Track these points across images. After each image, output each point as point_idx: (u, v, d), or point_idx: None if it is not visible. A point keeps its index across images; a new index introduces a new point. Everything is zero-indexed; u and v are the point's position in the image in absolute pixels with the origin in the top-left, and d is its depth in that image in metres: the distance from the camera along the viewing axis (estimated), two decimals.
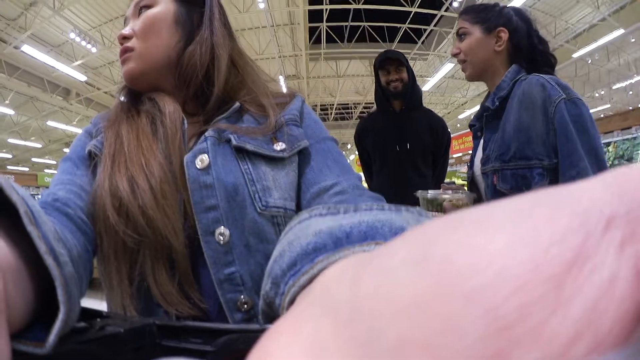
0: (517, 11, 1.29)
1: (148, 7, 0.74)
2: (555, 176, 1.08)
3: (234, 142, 0.66)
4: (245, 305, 0.60)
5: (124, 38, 0.73)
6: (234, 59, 0.78)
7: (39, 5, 9.38)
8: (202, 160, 0.64)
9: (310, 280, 0.24)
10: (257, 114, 0.74)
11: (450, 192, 1.16)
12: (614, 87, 16.37)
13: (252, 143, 0.67)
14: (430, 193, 1.17)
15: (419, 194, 1.21)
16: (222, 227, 0.61)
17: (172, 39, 0.74)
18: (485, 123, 1.26)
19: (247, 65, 0.81)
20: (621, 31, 10.65)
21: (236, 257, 0.61)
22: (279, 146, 0.68)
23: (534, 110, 1.10)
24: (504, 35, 1.24)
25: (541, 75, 1.15)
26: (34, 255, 0.33)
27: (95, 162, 0.67)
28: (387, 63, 2.31)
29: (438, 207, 1.13)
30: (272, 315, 0.29)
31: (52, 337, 0.29)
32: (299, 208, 0.68)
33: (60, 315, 0.30)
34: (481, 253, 0.12)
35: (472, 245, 0.12)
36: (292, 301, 0.25)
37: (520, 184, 1.11)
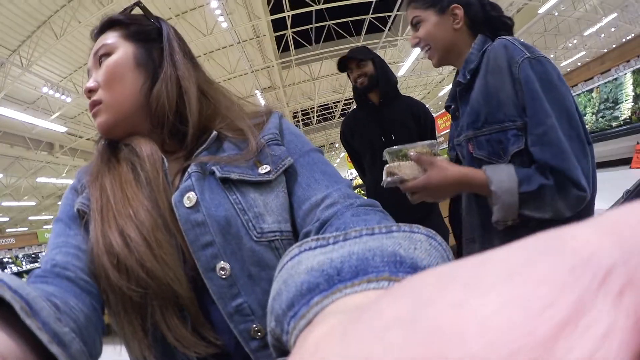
0: None
1: (107, 55, 0.72)
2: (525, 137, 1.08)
3: (218, 173, 0.64)
4: (259, 333, 0.60)
5: (90, 91, 0.72)
6: (202, 89, 0.76)
7: (7, 65, 9.39)
8: (190, 198, 0.62)
9: (308, 324, 0.25)
10: (236, 139, 0.72)
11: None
12: (586, 34, 16.43)
13: (236, 171, 0.65)
14: (395, 147, 1.16)
15: (385, 151, 1.19)
16: (222, 261, 0.60)
17: (137, 82, 0.72)
18: (459, 98, 1.23)
19: (217, 92, 0.79)
20: None
21: (241, 289, 0.60)
22: (264, 169, 0.67)
23: (500, 72, 1.08)
24: (459, 11, 1.19)
25: (504, 37, 1.12)
26: (39, 341, 0.34)
27: (85, 219, 0.65)
28: (347, 63, 2.33)
29: (403, 158, 1.13)
30: (282, 348, 0.29)
31: None
32: (294, 227, 0.67)
33: None
34: (471, 318, 0.11)
35: (462, 309, 0.12)
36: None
37: (496, 149, 1.09)
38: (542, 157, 1.00)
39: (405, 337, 0.12)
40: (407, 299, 0.14)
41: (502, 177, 1.02)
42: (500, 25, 1.21)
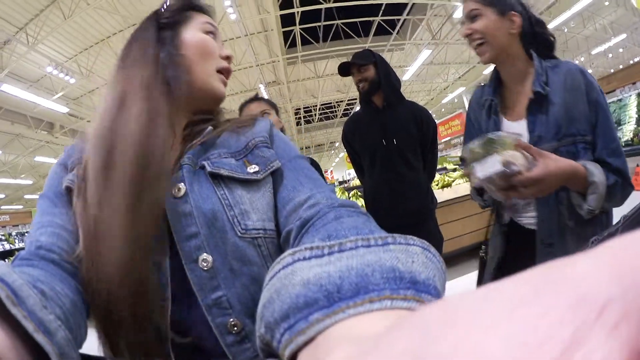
0: None
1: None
2: (593, 149, 1.21)
3: (208, 168, 0.67)
4: (235, 328, 0.60)
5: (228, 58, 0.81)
6: None
7: (12, 43, 9.35)
8: (179, 189, 0.64)
9: (307, 341, 0.25)
10: (230, 133, 0.76)
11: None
12: (594, 52, 16.50)
13: (226, 168, 0.68)
14: (499, 134, 1.09)
15: (484, 138, 1.10)
16: (205, 253, 0.61)
17: None
18: (529, 107, 1.27)
19: None
20: None
21: (221, 282, 0.61)
22: (252, 169, 0.69)
23: (577, 92, 1.21)
24: (517, 19, 1.27)
25: (572, 62, 1.28)
26: (26, 330, 0.35)
27: (72, 197, 0.65)
28: (350, 68, 2.35)
29: (504, 147, 1.06)
30: (271, 352, 0.29)
31: None
32: (277, 227, 0.68)
33: None
34: (475, 352, 0.12)
35: (466, 345, 0.12)
36: (292, 356, 0.26)
37: (570, 158, 1.13)
38: (617, 164, 1.18)
39: None
40: (416, 333, 0.14)
41: (596, 171, 1.12)
42: (543, 41, 1.32)
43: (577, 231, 1.22)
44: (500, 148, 1.06)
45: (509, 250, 1.41)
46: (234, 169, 0.68)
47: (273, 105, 2.41)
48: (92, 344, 0.55)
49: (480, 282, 1.62)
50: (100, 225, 0.57)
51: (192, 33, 0.76)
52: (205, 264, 0.61)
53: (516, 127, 1.32)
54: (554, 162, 1.06)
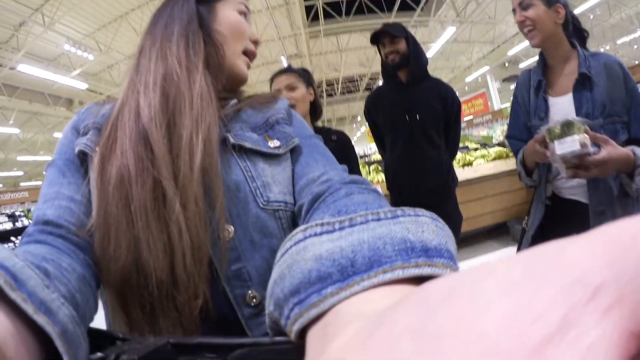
0: None
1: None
2: (629, 129, 1.43)
3: (232, 140, 0.66)
4: (254, 300, 0.61)
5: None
6: None
7: (28, 24, 9.35)
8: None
9: (319, 314, 0.25)
10: (252, 108, 0.76)
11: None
12: (619, 42, 16.28)
13: (249, 141, 0.68)
14: (572, 119, 1.27)
15: (559, 123, 1.29)
16: (226, 224, 0.61)
17: None
18: (575, 86, 1.47)
19: None
20: None
21: (242, 253, 0.61)
22: (274, 143, 0.70)
23: (617, 79, 1.43)
24: (562, 10, 1.47)
25: (610, 55, 1.50)
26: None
27: (87, 163, 0.64)
28: (380, 37, 2.29)
29: (577, 130, 1.24)
30: (279, 330, 0.29)
31: None
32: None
33: None
34: (471, 328, 0.13)
35: (463, 323, 0.13)
36: (301, 331, 0.26)
37: (612, 136, 1.34)
38: None
39: (413, 344, 0.14)
40: (417, 309, 0.15)
41: None
42: (579, 34, 1.56)
43: (622, 200, 1.42)
44: (575, 131, 1.24)
45: (549, 220, 1.59)
46: (256, 142, 0.69)
47: (303, 77, 2.20)
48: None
49: (519, 249, 1.77)
50: (130, 194, 0.56)
51: (228, 11, 0.76)
52: (226, 234, 0.60)
53: (561, 102, 1.52)
54: (614, 149, 1.26)
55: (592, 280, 0.11)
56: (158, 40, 0.70)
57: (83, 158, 0.64)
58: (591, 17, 13.41)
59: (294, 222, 0.68)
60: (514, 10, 1.54)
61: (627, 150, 1.29)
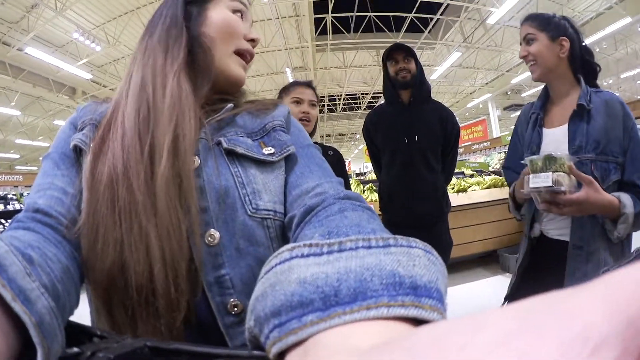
0: (570, 24, 1.51)
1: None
2: (622, 170, 1.39)
3: (224, 144, 0.66)
4: (236, 309, 0.59)
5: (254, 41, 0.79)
6: None
7: (40, 7, 9.33)
8: (193, 162, 0.62)
9: (298, 342, 0.25)
10: (249, 114, 0.75)
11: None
12: (622, 76, 16.33)
13: (242, 146, 0.67)
14: (553, 154, 1.27)
15: (541, 156, 1.29)
16: (212, 229, 0.60)
17: None
18: (572, 117, 1.46)
19: None
20: (628, 20, 10.48)
21: (226, 260, 0.60)
22: (268, 150, 0.69)
23: (615, 118, 1.40)
24: (566, 44, 1.47)
25: (613, 93, 1.48)
26: None
27: (82, 158, 0.64)
28: (395, 53, 2.30)
29: (560, 167, 1.24)
30: (258, 345, 0.29)
31: None
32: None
33: (39, 356, 0.31)
34: None
35: None
36: (279, 354, 0.26)
37: (602, 174, 1.37)
38: None
39: None
40: (405, 356, 0.15)
41: (628, 203, 1.30)
42: (589, 68, 1.53)
43: (605, 238, 1.39)
44: (557, 167, 1.25)
45: (534, 255, 1.60)
46: (249, 148, 0.68)
47: (318, 99, 2.31)
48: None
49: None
50: (118, 191, 0.56)
51: (219, 11, 0.74)
52: (211, 239, 0.60)
53: (555, 133, 1.52)
54: (594, 193, 1.25)
55: (593, 336, 0.11)
56: (144, 45, 0.71)
57: (78, 153, 0.65)
58: (597, 50, 13.52)
59: (283, 232, 0.67)
60: (521, 43, 1.56)
61: (611, 196, 1.29)
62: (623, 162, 1.39)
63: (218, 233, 0.60)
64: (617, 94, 1.49)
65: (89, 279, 0.56)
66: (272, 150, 0.69)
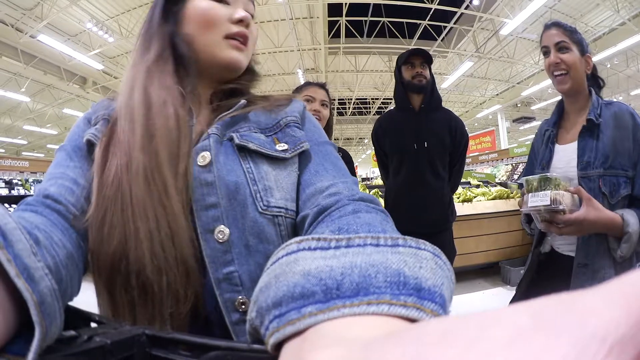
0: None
1: (252, 16, 0.77)
2: (633, 184, 1.36)
3: (236, 140, 0.65)
4: (243, 306, 0.58)
5: (247, 25, 0.74)
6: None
7: None
8: (204, 157, 0.63)
9: (296, 333, 0.25)
10: (262, 110, 0.74)
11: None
12: (632, 93, 16.30)
13: (254, 142, 0.66)
14: (549, 175, 1.28)
15: (537, 177, 1.30)
16: (222, 225, 0.60)
17: None
18: (581, 132, 1.44)
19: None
20: None
21: (235, 257, 0.59)
22: (281, 147, 0.68)
23: (625, 130, 1.37)
24: (590, 61, 1.47)
25: (623, 104, 1.46)
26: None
27: (94, 152, 0.64)
28: (413, 57, 2.32)
29: (556, 187, 1.24)
30: (258, 337, 0.29)
31: (32, 355, 0.29)
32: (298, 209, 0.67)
33: (36, 335, 0.31)
34: None
35: None
36: (276, 345, 0.26)
37: (611, 189, 1.35)
38: None
39: None
40: (410, 348, 0.14)
41: (632, 220, 1.26)
42: (595, 82, 1.55)
43: (611, 256, 1.35)
44: (553, 186, 1.25)
45: (541, 276, 1.57)
46: (262, 144, 0.67)
47: (331, 101, 2.31)
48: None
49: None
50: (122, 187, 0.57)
51: (195, 4, 0.72)
52: (221, 236, 0.59)
53: (565, 149, 1.51)
54: (595, 212, 1.24)
55: (609, 335, 0.10)
56: (135, 47, 0.72)
57: (90, 147, 0.65)
58: (608, 65, 13.49)
59: (294, 230, 0.66)
60: (544, 48, 1.50)
61: (613, 214, 1.27)
62: (633, 175, 1.36)
63: (228, 229, 0.60)
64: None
65: (94, 263, 0.56)
66: (286, 147, 0.68)
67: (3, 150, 19.81)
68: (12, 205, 6.87)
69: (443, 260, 0.30)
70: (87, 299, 0.53)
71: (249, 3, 0.77)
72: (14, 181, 10.09)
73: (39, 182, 11.74)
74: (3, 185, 9.17)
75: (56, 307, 0.36)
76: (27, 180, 10.91)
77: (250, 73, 0.80)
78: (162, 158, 0.58)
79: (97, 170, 0.60)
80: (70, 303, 0.46)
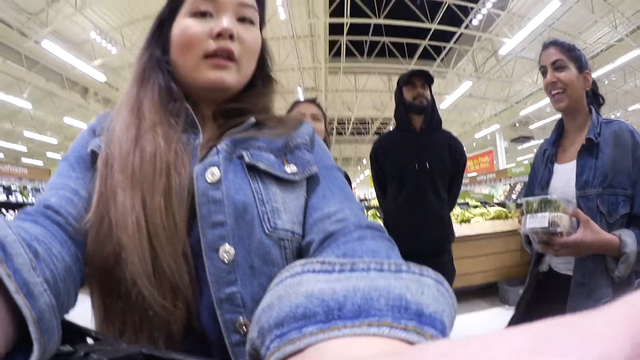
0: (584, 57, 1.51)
1: (250, 21, 0.71)
2: (632, 203, 1.35)
3: (247, 159, 0.64)
4: (244, 327, 0.57)
5: (230, 37, 0.67)
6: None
7: (61, 2, 9.44)
8: (213, 173, 0.61)
9: (295, 352, 0.25)
10: (271, 130, 0.72)
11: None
12: (630, 109, 16.36)
13: (264, 162, 0.65)
14: (550, 197, 1.28)
15: (537, 199, 1.30)
16: (228, 244, 0.58)
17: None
18: (580, 151, 1.45)
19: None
20: (639, 51, 10.56)
21: (239, 277, 0.58)
22: (290, 169, 0.67)
23: (624, 148, 1.37)
24: (589, 78, 1.47)
25: (623, 122, 1.45)
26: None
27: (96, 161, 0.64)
28: (415, 78, 2.33)
29: (554, 209, 1.25)
30: (258, 358, 0.29)
31: None
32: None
33: (35, 353, 0.31)
34: None
35: None
36: None
37: (610, 208, 1.35)
38: None
39: None
40: None
41: (629, 240, 1.26)
42: (596, 99, 1.54)
43: (608, 275, 1.35)
44: (552, 209, 1.25)
45: (539, 295, 1.57)
46: (272, 164, 0.66)
47: (324, 115, 2.31)
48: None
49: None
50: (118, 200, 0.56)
51: (177, 24, 0.70)
52: (226, 256, 0.58)
53: (565, 169, 1.51)
54: (592, 234, 1.24)
55: (613, 358, 0.10)
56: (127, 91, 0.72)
57: (94, 158, 0.64)
58: (606, 82, 13.58)
59: (299, 254, 0.65)
60: (542, 68, 1.52)
61: (610, 236, 1.27)
62: (632, 194, 1.35)
63: (233, 249, 0.58)
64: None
65: (89, 267, 0.56)
66: (295, 169, 0.67)
67: (2, 156, 19.77)
68: (9, 211, 6.84)
69: (445, 287, 0.31)
70: (82, 311, 0.53)
71: (243, 8, 0.70)
72: (12, 188, 10.07)
73: (37, 190, 11.71)
74: (1, 190, 9.15)
75: (54, 324, 0.37)
76: (25, 188, 10.89)
77: (256, 87, 0.77)
78: (156, 181, 0.58)
79: (100, 176, 0.60)
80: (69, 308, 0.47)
